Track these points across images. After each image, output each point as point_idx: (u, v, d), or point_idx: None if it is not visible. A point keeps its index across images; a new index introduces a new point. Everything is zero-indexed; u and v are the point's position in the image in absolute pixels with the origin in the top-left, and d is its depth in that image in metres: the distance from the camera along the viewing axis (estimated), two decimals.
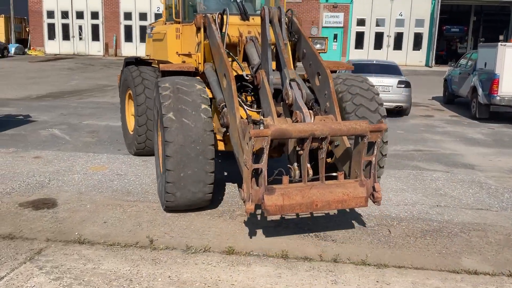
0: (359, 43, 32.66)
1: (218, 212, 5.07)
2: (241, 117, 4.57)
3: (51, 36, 34.19)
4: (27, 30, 36.43)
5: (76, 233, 4.41)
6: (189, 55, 5.76)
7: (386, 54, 31.93)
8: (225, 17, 5.40)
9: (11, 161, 6.86)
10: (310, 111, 4.59)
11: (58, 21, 34.37)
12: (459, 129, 10.95)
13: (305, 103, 4.69)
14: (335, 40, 32.65)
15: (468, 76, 13.33)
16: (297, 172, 4.27)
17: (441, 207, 5.45)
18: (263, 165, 3.81)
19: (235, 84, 4.66)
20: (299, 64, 5.81)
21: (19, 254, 3.97)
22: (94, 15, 33.96)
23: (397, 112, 12.54)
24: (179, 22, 6.07)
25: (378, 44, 32.51)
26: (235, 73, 5.17)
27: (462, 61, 14.97)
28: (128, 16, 33.90)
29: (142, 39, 33.23)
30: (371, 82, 5.68)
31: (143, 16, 33.73)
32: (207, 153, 4.51)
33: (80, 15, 34.13)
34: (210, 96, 5.10)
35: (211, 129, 4.58)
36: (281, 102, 5.05)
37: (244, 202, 3.92)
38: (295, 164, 4.33)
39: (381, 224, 4.88)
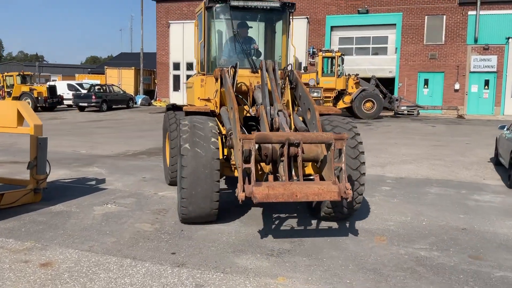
0: None
1: None
2: None
3: (176, 87, 34.36)
4: (156, 82, 37.39)
5: None
6: (208, 100, 7.06)
7: None
8: (236, 69, 6.61)
9: None
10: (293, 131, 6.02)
11: (183, 73, 34.58)
12: None
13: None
14: (486, 88, 27.62)
15: None
16: (284, 178, 5.10)
17: None
18: (251, 165, 4.83)
19: (238, 114, 5.80)
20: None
21: None
22: None
23: None
24: (204, 74, 7.31)
25: None
26: (248, 114, 6.76)
27: None
28: None
29: None
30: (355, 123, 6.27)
31: None
32: (213, 176, 5.51)
33: None
34: (224, 132, 6.31)
35: (217, 157, 5.57)
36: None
37: (238, 196, 4.79)
38: (281, 170, 5.23)
39: None
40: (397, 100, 25.05)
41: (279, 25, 7.45)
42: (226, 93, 6.47)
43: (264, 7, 6.98)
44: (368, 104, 23.70)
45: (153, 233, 5.73)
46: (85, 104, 27.97)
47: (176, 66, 34.95)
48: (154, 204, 7.16)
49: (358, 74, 24.72)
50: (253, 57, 7.23)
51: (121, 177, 9.27)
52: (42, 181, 7.21)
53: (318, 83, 23.52)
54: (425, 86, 28.94)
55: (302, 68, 26.64)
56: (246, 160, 4.96)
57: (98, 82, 34.92)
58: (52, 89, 28.72)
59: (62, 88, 32.39)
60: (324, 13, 30.38)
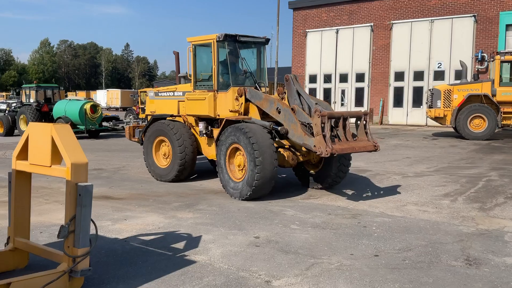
0: None
1: None
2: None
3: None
4: None
5: None
6: (235, 111, 9.26)
7: None
8: (259, 87, 9.56)
9: None
10: None
11: (319, 86, 31.42)
12: None
13: None
14: None
15: None
16: (343, 140, 7.95)
17: None
18: (326, 132, 7.57)
19: (290, 108, 8.44)
20: None
21: None
22: (360, 77, 29.60)
23: None
24: (215, 91, 9.60)
25: None
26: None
27: None
28: (399, 76, 28.16)
29: (416, 103, 26.95)
30: None
31: (418, 76, 27.44)
32: (273, 148, 8.24)
33: (343, 78, 30.31)
34: None
35: (273, 142, 8.37)
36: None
37: (321, 154, 7.52)
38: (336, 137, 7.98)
39: None
40: None
41: (261, 53, 10.16)
42: (263, 100, 8.82)
43: (257, 41, 9.92)
44: None
45: None
46: None
47: (313, 79, 31.89)
48: None
49: None
50: (253, 77, 9.84)
51: (224, 235, 6.16)
52: (82, 259, 4.29)
53: (494, 95, 18.25)
54: None
55: (472, 76, 21.37)
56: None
57: None
58: None
59: None
60: (497, 9, 24.62)
